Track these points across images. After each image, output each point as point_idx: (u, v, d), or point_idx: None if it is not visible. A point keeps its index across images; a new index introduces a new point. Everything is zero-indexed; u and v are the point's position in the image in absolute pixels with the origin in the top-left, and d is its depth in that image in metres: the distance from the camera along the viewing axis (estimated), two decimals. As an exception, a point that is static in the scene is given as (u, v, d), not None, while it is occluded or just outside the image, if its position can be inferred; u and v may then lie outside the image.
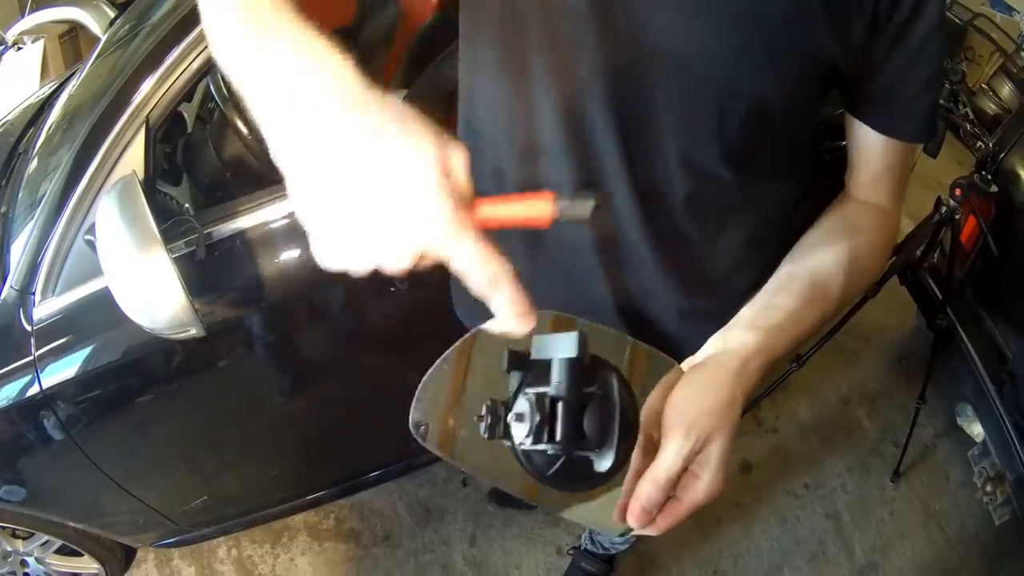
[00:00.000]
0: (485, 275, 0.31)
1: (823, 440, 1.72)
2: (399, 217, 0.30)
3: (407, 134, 0.30)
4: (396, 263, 0.31)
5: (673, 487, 0.40)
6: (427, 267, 0.32)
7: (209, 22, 0.36)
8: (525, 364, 0.39)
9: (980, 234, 1.44)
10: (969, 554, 1.54)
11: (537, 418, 0.35)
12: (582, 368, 0.37)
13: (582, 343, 0.36)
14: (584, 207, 0.33)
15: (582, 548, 1.45)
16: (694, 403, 0.42)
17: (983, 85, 2.47)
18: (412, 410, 0.45)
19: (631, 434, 0.40)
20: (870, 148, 0.56)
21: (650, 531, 0.41)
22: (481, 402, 0.39)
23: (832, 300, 0.51)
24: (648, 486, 0.40)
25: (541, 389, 0.37)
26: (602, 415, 0.37)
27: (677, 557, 1.53)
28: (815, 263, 0.53)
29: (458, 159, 0.31)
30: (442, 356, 0.44)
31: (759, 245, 0.63)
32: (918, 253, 1.53)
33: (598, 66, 0.51)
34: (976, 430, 1.58)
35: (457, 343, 0.46)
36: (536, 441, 0.35)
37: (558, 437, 0.35)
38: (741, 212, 0.61)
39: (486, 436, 0.38)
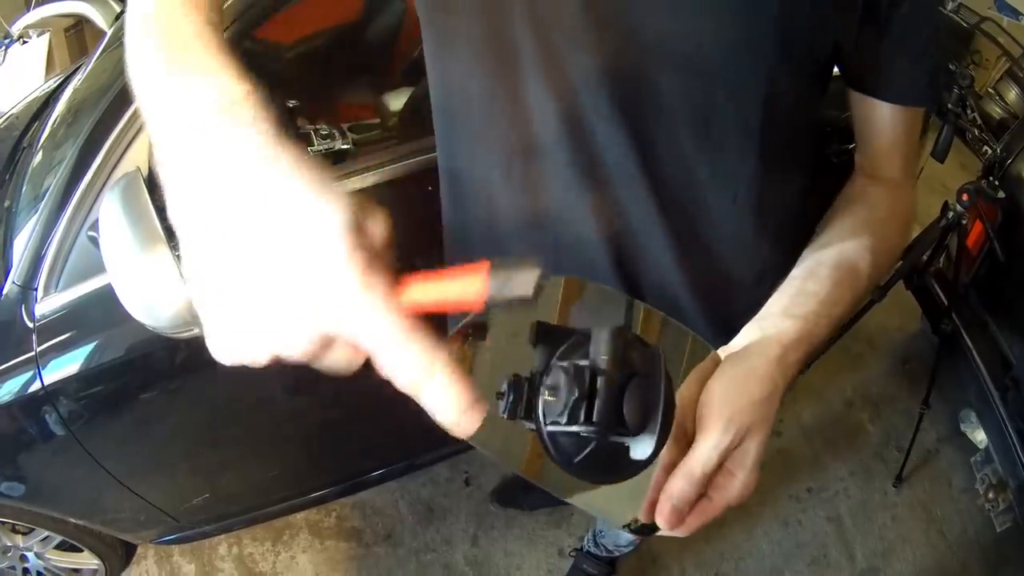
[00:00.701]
0: (411, 357, 0.26)
1: (826, 443, 1.72)
2: (299, 286, 0.26)
3: (319, 190, 0.26)
4: (297, 347, 0.26)
5: (706, 484, 0.38)
6: (340, 363, 0.28)
7: (128, 45, 0.32)
8: (555, 336, 0.35)
9: (986, 239, 1.44)
10: (970, 560, 1.54)
11: (575, 394, 0.31)
12: (625, 340, 0.33)
13: (629, 312, 0.33)
14: (525, 282, 0.28)
15: (584, 550, 1.44)
16: (734, 395, 0.39)
17: (989, 89, 2.46)
18: None
19: (671, 421, 0.35)
20: (877, 122, 0.55)
21: (678, 532, 0.39)
22: (500, 377, 0.34)
23: (862, 279, 0.50)
24: (681, 482, 0.37)
25: (574, 361, 0.32)
26: (644, 396, 0.33)
27: (679, 559, 1.53)
28: (839, 244, 0.51)
29: (379, 226, 0.27)
30: (460, 324, 0.39)
31: (780, 246, 0.61)
32: (924, 258, 1.53)
33: (597, 70, 0.50)
34: (979, 436, 1.58)
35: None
36: (571, 421, 0.31)
37: (595, 417, 0.31)
38: (763, 210, 0.60)
39: (506, 416, 0.33)
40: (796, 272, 0.51)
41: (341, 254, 0.26)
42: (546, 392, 0.32)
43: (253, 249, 0.26)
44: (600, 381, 0.31)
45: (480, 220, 0.64)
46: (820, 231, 0.55)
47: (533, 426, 0.34)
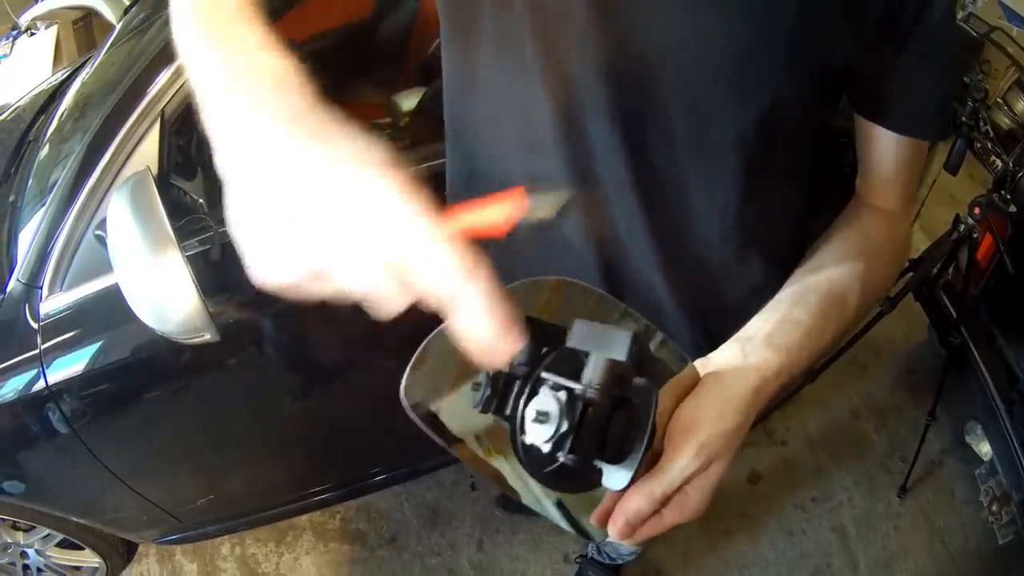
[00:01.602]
0: (448, 266, 0.25)
1: (831, 453, 1.72)
2: (344, 205, 0.26)
3: (362, 137, 0.28)
4: (361, 264, 0.26)
5: (664, 503, 0.38)
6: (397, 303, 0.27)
7: (175, 24, 0.35)
8: (545, 336, 0.34)
9: (996, 252, 1.44)
10: (971, 571, 1.54)
11: (564, 426, 0.30)
12: (622, 371, 0.32)
13: (634, 346, 0.31)
14: (549, 205, 0.30)
15: (589, 556, 1.45)
16: (710, 420, 0.38)
17: (998, 99, 2.46)
18: (406, 376, 0.38)
19: (648, 453, 0.35)
20: (881, 149, 0.54)
21: (625, 542, 0.40)
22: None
23: (849, 312, 0.49)
24: (641, 500, 0.36)
25: (565, 382, 0.32)
26: (628, 429, 0.33)
27: (683, 568, 1.53)
28: (830, 273, 0.51)
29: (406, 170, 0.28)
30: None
31: (773, 265, 0.60)
32: (934, 270, 1.53)
33: (595, 69, 0.49)
34: (984, 449, 1.58)
35: None
36: (555, 449, 0.31)
37: (579, 449, 0.31)
38: (754, 228, 0.59)
39: (479, 409, 0.33)
40: (784, 295, 0.50)
41: (404, 192, 0.26)
42: (533, 413, 0.31)
43: (306, 183, 0.27)
44: (588, 411, 0.31)
45: None
46: (815, 252, 0.54)
47: (505, 424, 0.33)
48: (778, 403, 1.57)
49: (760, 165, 0.53)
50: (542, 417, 0.31)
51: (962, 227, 1.39)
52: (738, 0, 0.45)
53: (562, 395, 0.31)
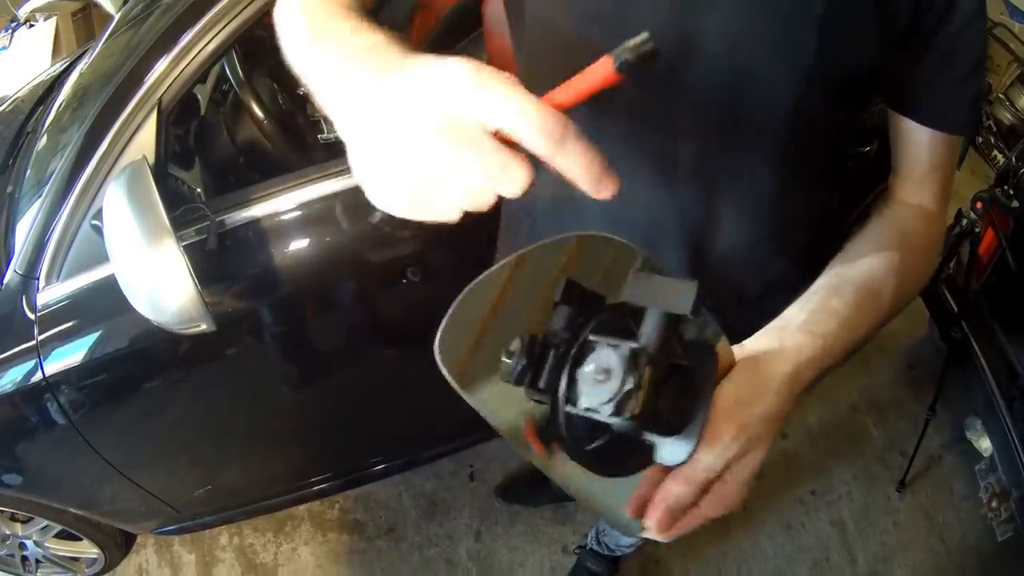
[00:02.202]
0: (546, 126, 0.29)
1: (831, 447, 1.72)
2: (447, 109, 0.30)
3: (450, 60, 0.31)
4: (463, 149, 0.29)
5: (703, 492, 0.36)
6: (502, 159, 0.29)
7: (280, 16, 0.41)
8: (585, 301, 0.31)
9: (998, 247, 1.43)
10: (969, 567, 1.54)
11: (629, 382, 0.26)
12: (681, 329, 0.29)
13: (698, 299, 0.28)
14: (643, 42, 0.29)
15: (588, 548, 1.45)
16: (751, 404, 0.37)
17: (1000, 95, 2.45)
18: (440, 330, 0.34)
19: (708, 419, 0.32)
20: (914, 145, 0.54)
21: (661, 537, 0.37)
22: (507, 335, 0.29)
23: (884, 307, 0.49)
24: (681, 486, 0.35)
25: (621, 343, 0.27)
26: (685, 393, 0.30)
27: (681, 561, 1.53)
28: (867, 267, 0.50)
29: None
30: (489, 270, 0.33)
31: (792, 262, 0.61)
32: (935, 264, 1.52)
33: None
34: (984, 444, 1.58)
35: (509, 258, 0.34)
36: (617, 412, 0.26)
37: (639, 411, 0.26)
38: (779, 225, 0.59)
39: (512, 381, 0.29)
40: (819, 285, 0.50)
41: (461, 64, 0.30)
42: (590, 372, 0.28)
43: (395, 98, 0.31)
44: (648, 370, 0.27)
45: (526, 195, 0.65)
46: (851, 246, 0.54)
47: (541, 398, 0.30)
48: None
49: (787, 162, 0.53)
50: (601, 375, 0.27)
51: (964, 222, 1.39)
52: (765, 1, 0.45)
53: (625, 349, 0.27)
